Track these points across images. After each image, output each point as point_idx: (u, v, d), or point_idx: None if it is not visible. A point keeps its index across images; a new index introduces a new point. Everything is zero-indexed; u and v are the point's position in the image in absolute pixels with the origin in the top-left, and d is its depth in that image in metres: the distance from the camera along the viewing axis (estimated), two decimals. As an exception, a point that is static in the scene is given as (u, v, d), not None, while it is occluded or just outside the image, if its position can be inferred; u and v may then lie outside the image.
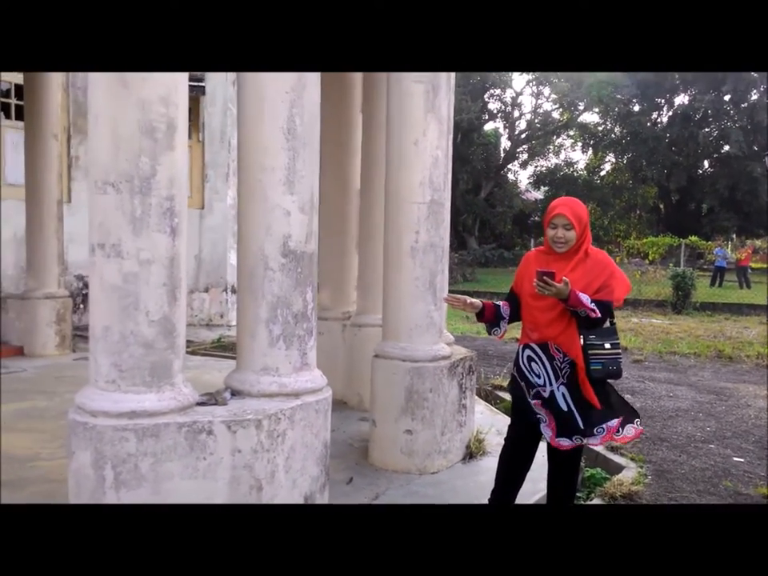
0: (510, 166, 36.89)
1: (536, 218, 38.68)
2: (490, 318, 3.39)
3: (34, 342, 7.61)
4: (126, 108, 2.66)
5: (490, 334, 3.48)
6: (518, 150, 36.37)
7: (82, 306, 9.63)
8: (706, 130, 33.00)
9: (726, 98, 32.04)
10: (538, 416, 3.30)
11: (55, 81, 7.58)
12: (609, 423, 3.23)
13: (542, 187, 38.91)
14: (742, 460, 4.81)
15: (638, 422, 3.29)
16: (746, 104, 31.60)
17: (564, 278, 3.00)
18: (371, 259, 5.55)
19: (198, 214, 10.15)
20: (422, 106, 4.10)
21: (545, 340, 3.24)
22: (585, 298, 3.06)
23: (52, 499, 3.60)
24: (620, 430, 3.25)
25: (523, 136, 35.93)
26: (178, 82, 2.77)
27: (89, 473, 2.72)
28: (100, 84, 2.69)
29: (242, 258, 3.20)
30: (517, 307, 3.39)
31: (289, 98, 3.06)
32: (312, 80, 3.14)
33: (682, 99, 34.57)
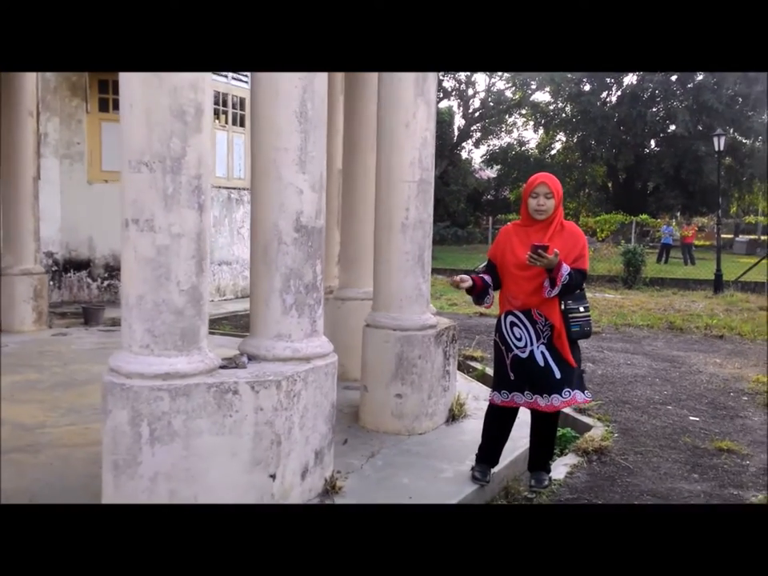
0: (463, 144, 37.31)
1: (489, 197, 39.28)
2: (479, 290, 3.72)
3: (12, 317, 7.68)
4: (159, 94, 2.86)
5: (479, 305, 3.80)
6: (472, 128, 36.78)
7: (51, 282, 9.68)
8: (654, 109, 33.89)
9: (673, 78, 32.93)
10: (516, 382, 3.67)
11: (30, 58, 7.58)
12: (576, 393, 3.63)
13: (494, 166, 39.45)
14: (697, 419, 5.27)
15: (587, 392, 3.73)
16: (691, 84, 32.52)
17: (555, 250, 3.35)
18: (353, 236, 5.82)
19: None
20: (412, 90, 4.37)
21: (528, 306, 3.60)
22: (565, 269, 3.42)
23: (68, 460, 3.83)
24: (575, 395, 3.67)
25: (477, 114, 36.34)
26: (204, 69, 3.00)
27: (125, 430, 2.93)
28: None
29: (256, 233, 3.44)
30: (496, 276, 3.73)
31: (302, 83, 3.29)
32: (321, 67, 3.39)
33: (630, 79, 35.39)
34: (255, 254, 3.46)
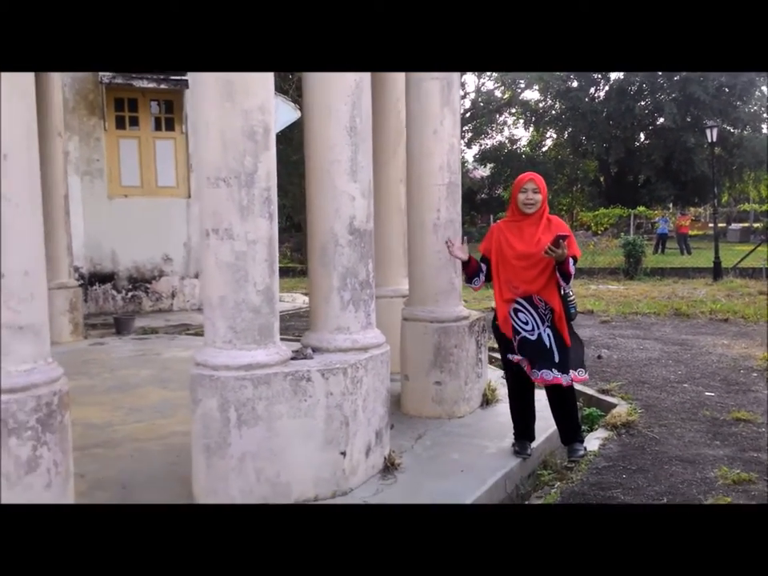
0: (456, 145, 37.74)
1: (483, 196, 39.71)
2: (474, 269, 4.19)
3: (51, 330, 7.91)
4: (232, 117, 3.23)
5: (469, 283, 4.28)
6: (464, 128, 37.22)
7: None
8: (641, 103, 34.33)
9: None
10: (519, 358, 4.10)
11: (57, 81, 7.94)
12: (576, 371, 4.05)
13: (487, 164, 39.92)
14: (712, 394, 5.65)
15: (581, 372, 4.10)
16: (678, 77, 32.93)
17: (563, 244, 3.74)
18: (379, 237, 6.13)
19: (185, 203, 10.60)
20: (439, 100, 4.75)
21: (529, 293, 4.03)
22: (570, 261, 3.85)
23: (146, 452, 4.19)
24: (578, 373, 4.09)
25: (468, 115, 36.81)
26: (269, 92, 3.38)
27: (215, 415, 3.30)
28: (208, 97, 3.25)
29: (313, 237, 3.81)
30: (489, 269, 4.16)
31: (351, 100, 3.67)
32: (366, 85, 3.76)
33: (617, 74, 35.85)
34: (313, 255, 3.83)
